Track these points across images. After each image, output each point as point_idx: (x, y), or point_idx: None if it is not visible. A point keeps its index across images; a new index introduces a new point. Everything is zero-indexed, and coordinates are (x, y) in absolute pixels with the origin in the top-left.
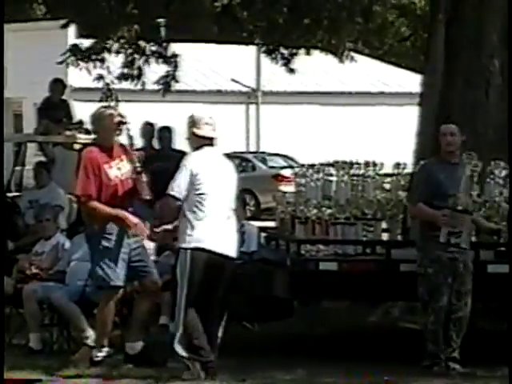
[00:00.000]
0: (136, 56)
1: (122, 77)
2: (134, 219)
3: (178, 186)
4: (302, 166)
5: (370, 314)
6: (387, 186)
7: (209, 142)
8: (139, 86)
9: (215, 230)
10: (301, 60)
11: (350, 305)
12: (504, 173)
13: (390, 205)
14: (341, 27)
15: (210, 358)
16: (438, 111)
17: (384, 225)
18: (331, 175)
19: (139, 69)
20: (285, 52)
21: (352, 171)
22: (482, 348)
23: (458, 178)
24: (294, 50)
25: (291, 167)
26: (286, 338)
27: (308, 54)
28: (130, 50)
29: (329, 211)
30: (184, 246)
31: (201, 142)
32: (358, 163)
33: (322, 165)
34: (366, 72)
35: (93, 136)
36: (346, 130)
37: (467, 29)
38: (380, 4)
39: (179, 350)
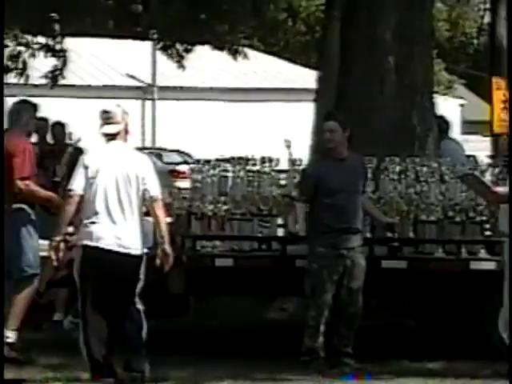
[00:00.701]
0: (22, 49)
1: (7, 69)
2: None
3: (76, 181)
4: (198, 161)
5: (265, 310)
6: (283, 182)
7: (111, 137)
8: (22, 80)
9: (110, 226)
10: (197, 56)
11: (246, 301)
12: (398, 168)
13: (286, 201)
14: (235, 23)
15: (104, 362)
16: (334, 107)
17: (280, 221)
18: (227, 171)
19: (24, 62)
20: (180, 48)
21: (248, 167)
22: (375, 343)
23: (344, 174)
24: (189, 47)
25: (187, 163)
26: (181, 335)
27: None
28: (13, 43)
29: (225, 207)
30: (77, 242)
31: (105, 138)
32: (254, 159)
33: (217, 160)
34: (262, 68)
35: None
36: (242, 125)
37: (361, 26)
38: (271, 2)
39: (84, 352)
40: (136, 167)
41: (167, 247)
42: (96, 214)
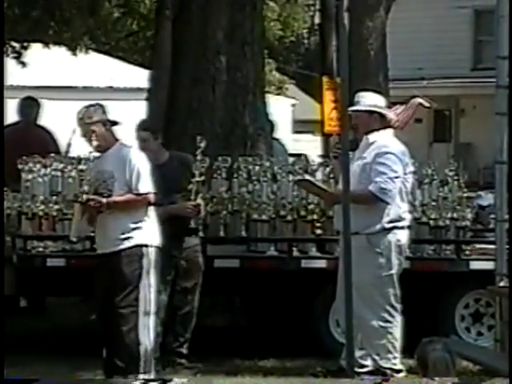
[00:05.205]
0: None
1: None
2: None
3: None
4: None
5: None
6: None
7: None
8: None
9: None
10: (30, 53)
11: (78, 301)
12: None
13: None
14: (71, 21)
15: None
16: (166, 107)
17: None
18: (59, 170)
19: None
20: (16, 45)
21: (80, 166)
22: (208, 342)
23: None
24: (26, 44)
25: None
26: (12, 337)
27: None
28: None
29: (56, 207)
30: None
31: None
32: (86, 158)
33: (49, 159)
34: (94, 67)
35: None
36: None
37: (193, 25)
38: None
39: None
40: None
41: None
42: None
